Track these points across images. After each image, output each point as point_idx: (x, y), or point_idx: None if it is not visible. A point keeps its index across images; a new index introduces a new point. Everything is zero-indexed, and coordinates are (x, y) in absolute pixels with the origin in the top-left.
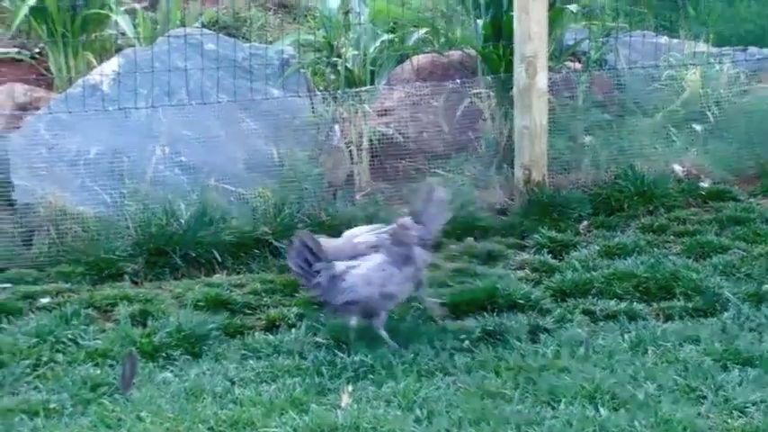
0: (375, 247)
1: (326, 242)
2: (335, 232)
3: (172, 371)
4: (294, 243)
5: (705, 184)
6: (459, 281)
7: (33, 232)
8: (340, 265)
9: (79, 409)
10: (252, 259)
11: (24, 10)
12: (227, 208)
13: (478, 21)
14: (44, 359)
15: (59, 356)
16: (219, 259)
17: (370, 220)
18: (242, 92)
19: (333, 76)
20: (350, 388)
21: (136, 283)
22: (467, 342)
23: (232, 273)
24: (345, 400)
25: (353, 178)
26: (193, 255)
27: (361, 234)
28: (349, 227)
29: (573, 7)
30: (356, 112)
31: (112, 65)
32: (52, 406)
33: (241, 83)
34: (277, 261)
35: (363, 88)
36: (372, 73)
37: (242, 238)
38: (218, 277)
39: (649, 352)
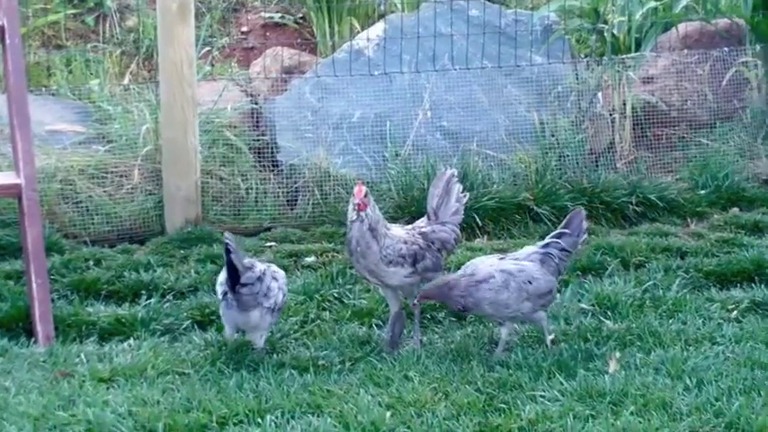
0: None
1: None
2: (596, 199)
3: (437, 332)
4: None
5: None
6: (725, 251)
7: (297, 193)
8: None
9: (347, 366)
10: (512, 224)
11: None
12: (487, 173)
13: None
14: (311, 316)
15: (326, 314)
16: (480, 224)
17: (632, 188)
18: (505, 58)
19: (597, 43)
20: (618, 354)
21: None
22: (735, 312)
23: (493, 237)
24: (613, 366)
25: (615, 146)
26: None
27: None
28: (610, 194)
29: None
30: (620, 80)
31: (377, 30)
32: (321, 362)
33: (504, 49)
34: (538, 227)
35: (629, 55)
36: (637, 40)
37: (503, 204)
38: (479, 242)
39: None
